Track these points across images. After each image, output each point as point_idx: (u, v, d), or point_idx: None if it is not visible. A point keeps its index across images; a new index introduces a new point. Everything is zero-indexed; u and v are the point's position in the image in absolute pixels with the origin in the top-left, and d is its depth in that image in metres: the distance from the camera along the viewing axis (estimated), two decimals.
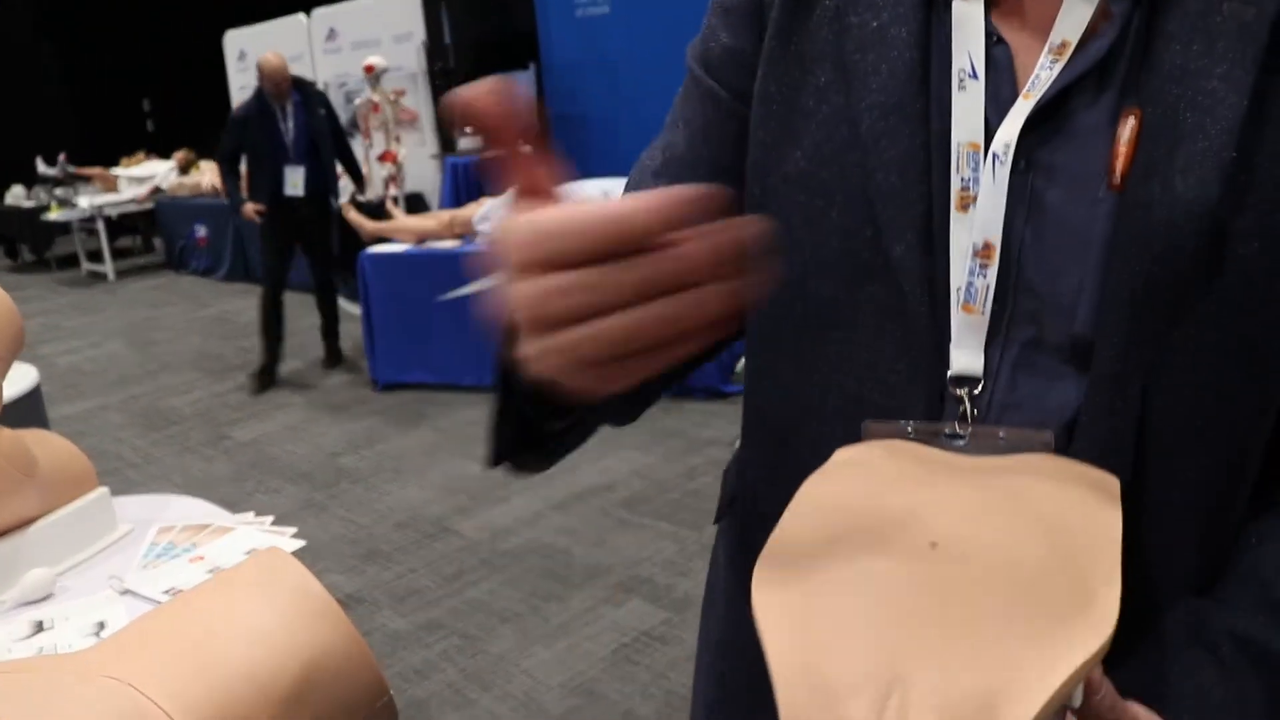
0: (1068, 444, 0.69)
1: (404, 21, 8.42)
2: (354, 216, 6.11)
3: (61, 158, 12.68)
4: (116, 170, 11.89)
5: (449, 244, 5.68)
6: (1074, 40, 0.69)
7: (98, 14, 15.99)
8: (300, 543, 1.48)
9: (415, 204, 7.75)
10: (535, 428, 0.72)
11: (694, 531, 3.95)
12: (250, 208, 6.01)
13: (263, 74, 5.97)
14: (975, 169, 0.71)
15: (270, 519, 1.58)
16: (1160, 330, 0.66)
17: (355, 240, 6.14)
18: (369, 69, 7.28)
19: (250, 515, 1.61)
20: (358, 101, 7.89)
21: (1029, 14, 0.73)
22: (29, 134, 14.79)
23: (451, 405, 5.53)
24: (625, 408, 0.87)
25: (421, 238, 5.76)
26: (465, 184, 7.07)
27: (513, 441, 0.74)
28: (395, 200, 6.99)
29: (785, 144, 0.79)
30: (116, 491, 1.60)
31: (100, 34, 16.09)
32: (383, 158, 7.24)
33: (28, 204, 12.04)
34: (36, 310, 9.48)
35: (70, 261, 11.70)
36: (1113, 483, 0.63)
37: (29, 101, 16.31)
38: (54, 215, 11.10)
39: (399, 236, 5.82)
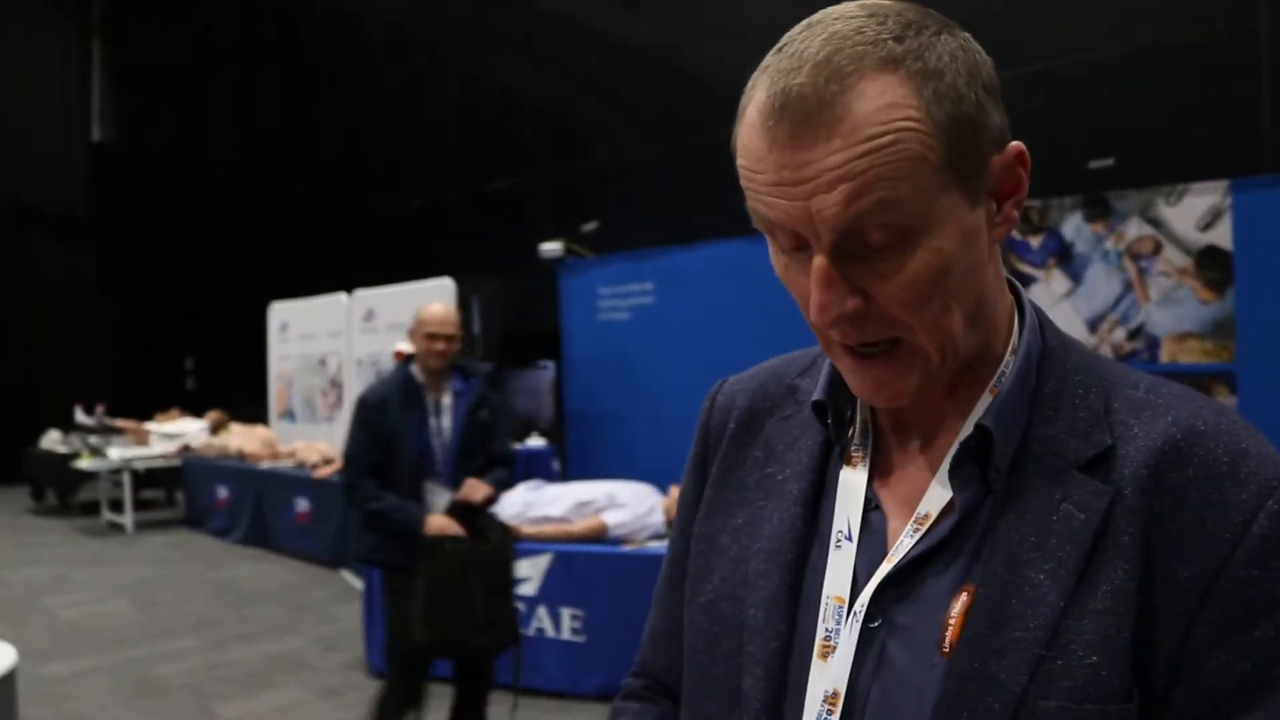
0: None
1: None
2: None
3: (100, 409, 13.20)
4: (150, 425, 12.29)
5: None
6: (935, 514, 0.81)
7: (155, 275, 17.00)
8: None
9: None
10: None
11: None
12: (439, 520, 3.84)
13: (421, 331, 3.96)
14: (838, 621, 0.81)
15: None
16: None
17: None
18: (399, 355, 7.65)
19: None
20: None
21: (902, 486, 0.85)
22: (75, 383, 15.44)
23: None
24: None
25: None
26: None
27: None
28: None
29: (704, 577, 0.93)
30: None
31: (156, 294, 17.03)
32: None
33: (61, 449, 12.45)
34: (50, 558, 9.61)
35: (92, 509, 11.91)
36: None
37: (80, 352, 17.13)
38: (84, 464, 11.41)
39: None
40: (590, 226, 7.68)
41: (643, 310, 7.14)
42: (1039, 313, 0.88)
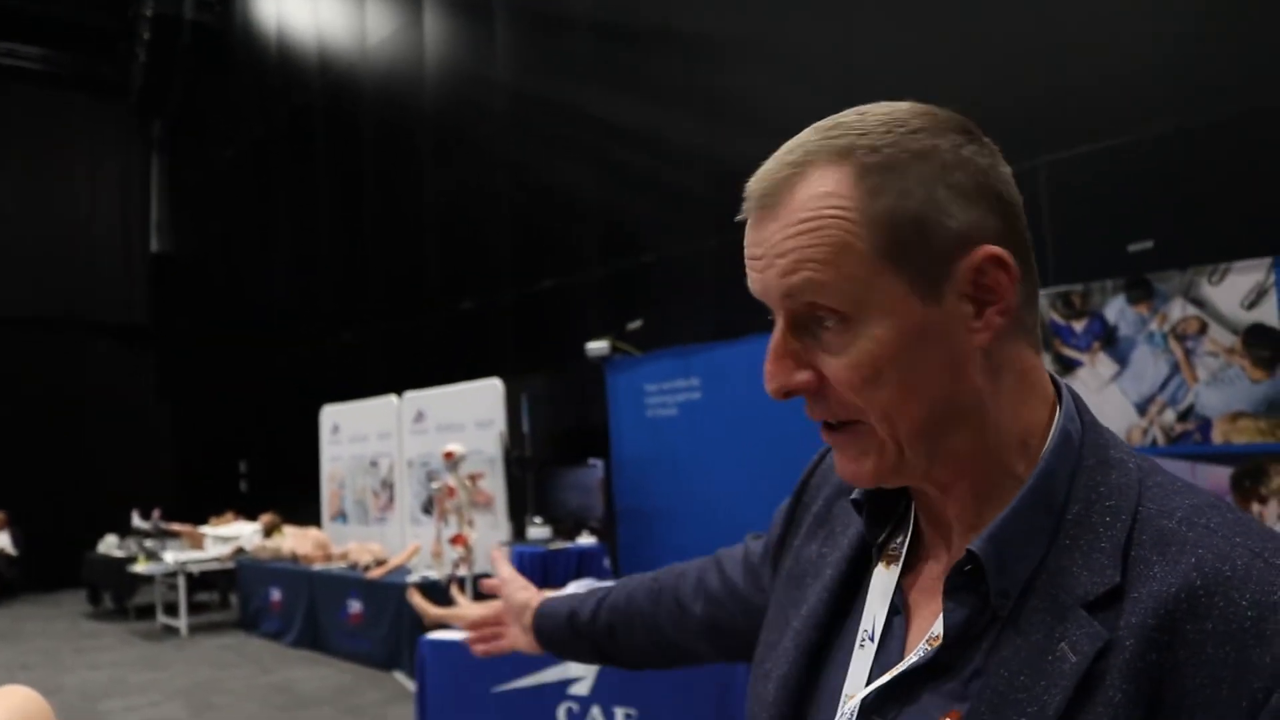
0: None
1: (486, 409, 9.00)
2: (418, 600, 6.29)
3: (155, 513, 13.42)
4: (205, 529, 12.44)
5: None
6: (942, 635, 0.77)
7: (210, 380, 17.37)
8: None
9: None
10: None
11: None
12: None
13: None
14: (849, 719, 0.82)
15: None
16: None
17: (419, 621, 6.31)
18: (448, 455, 7.75)
19: None
20: (434, 485, 8.34)
21: (924, 595, 0.84)
22: (131, 488, 15.71)
23: None
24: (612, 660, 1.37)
25: None
26: (530, 574, 7.28)
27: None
28: (461, 583, 7.22)
29: (771, 646, 0.95)
30: None
31: (210, 398, 17.38)
32: (454, 540, 7.54)
33: (118, 554, 12.68)
34: (107, 662, 9.69)
35: (148, 612, 12.00)
36: None
37: (137, 457, 17.49)
38: (140, 568, 11.56)
39: (459, 624, 5.96)
40: (635, 325, 7.78)
41: (690, 406, 7.19)
42: (1086, 428, 0.81)
